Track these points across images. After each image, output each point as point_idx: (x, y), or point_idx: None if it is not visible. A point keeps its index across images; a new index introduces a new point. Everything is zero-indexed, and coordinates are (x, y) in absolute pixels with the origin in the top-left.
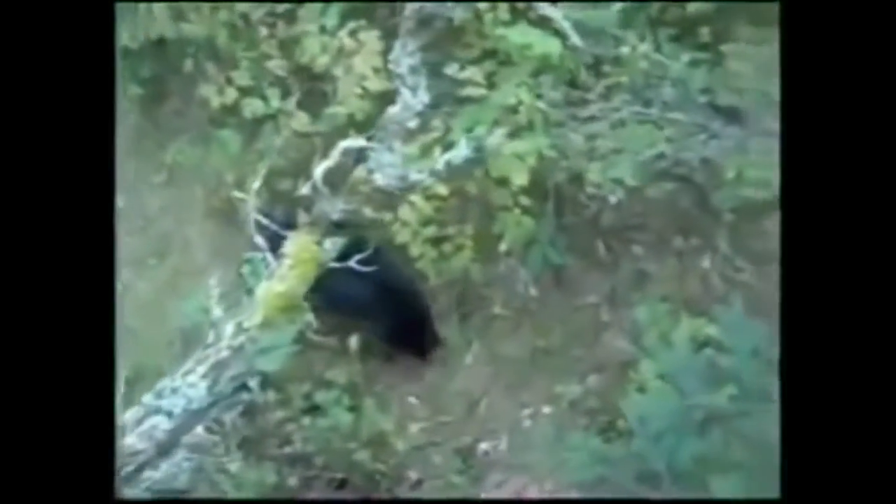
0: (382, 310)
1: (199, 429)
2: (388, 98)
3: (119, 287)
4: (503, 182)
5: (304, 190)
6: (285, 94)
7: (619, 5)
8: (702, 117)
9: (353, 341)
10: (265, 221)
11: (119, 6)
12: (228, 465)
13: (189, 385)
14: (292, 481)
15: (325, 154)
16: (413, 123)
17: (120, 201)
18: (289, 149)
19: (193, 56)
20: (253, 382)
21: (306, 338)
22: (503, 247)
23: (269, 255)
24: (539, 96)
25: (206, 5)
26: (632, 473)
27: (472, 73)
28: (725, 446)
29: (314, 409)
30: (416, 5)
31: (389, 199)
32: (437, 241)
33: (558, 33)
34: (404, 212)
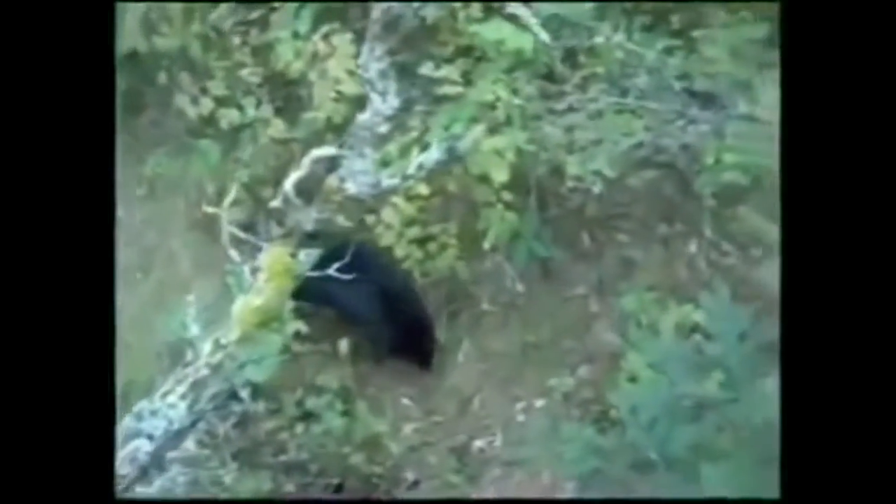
0: (385, 319)
1: (191, 443)
2: (364, 101)
3: None
4: (484, 179)
5: (276, 202)
6: (261, 102)
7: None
8: (679, 104)
9: (343, 345)
10: (241, 234)
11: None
12: (224, 478)
13: (169, 406)
14: (289, 489)
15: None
16: (384, 128)
17: None
18: (268, 156)
19: (167, 68)
20: (244, 393)
21: (295, 344)
22: (488, 243)
23: (245, 269)
24: (515, 91)
25: (178, 16)
26: (626, 463)
27: (448, 71)
28: (716, 433)
29: (307, 416)
30: (383, 7)
31: (363, 205)
32: (421, 242)
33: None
34: (387, 213)
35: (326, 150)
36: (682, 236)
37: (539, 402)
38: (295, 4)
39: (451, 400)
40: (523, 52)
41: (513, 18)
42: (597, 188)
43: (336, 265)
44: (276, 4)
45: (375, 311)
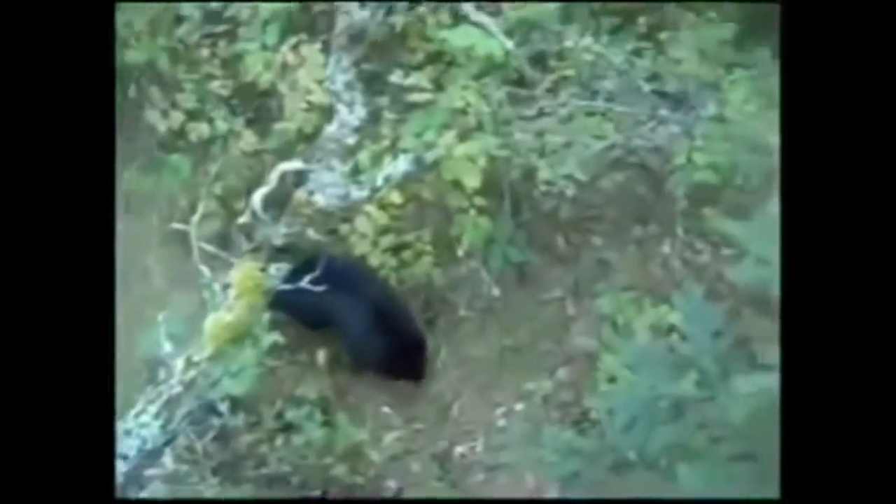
0: (378, 337)
1: (169, 460)
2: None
3: None
4: (457, 185)
5: (244, 217)
6: (232, 114)
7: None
8: (649, 106)
9: (321, 355)
10: (212, 249)
11: None
12: (204, 493)
13: (141, 425)
14: None
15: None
16: (352, 140)
17: None
18: (240, 168)
19: (136, 81)
20: (223, 406)
21: (272, 357)
22: (462, 249)
23: (216, 286)
24: (486, 97)
25: (145, 30)
26: (606, 464)
27: (418, 78)
28: (692, 432)
29: (287, 428)
30: (347, 18)
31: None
32: (396, 250)
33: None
34: (361, 223)
35: (293, 164)
36: (656, 237)
37: (519, 406)
38: (263, 16)
39: (431, 407)
40: (493, 58)
41: (478, 25)
42: (569, 191)
43: (308, 277)
44: (244, 17)
45: (368, 328)
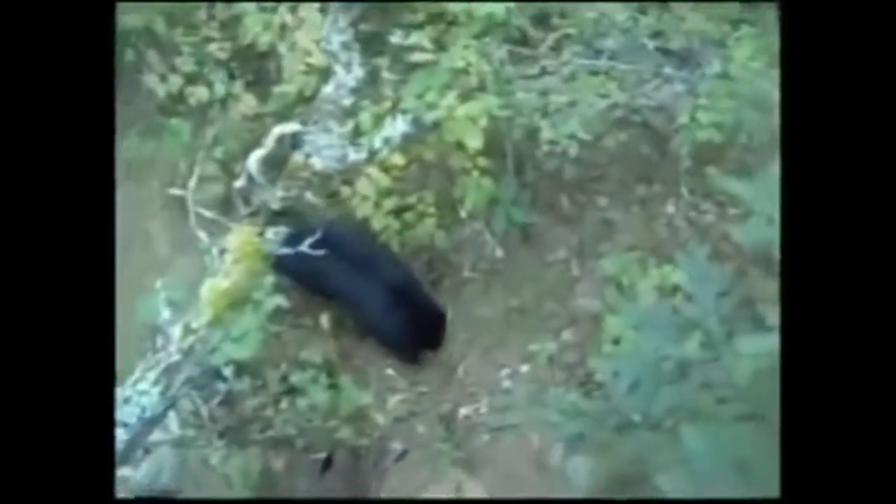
0: (401, 314)
1: (175, 425)
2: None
3: None
4: (459, 146)
5: (240, 182)
6: (231, 77)
7: None
8: (653, 64)
9: (325, 319)
10: (209, 214)
11: None
12: (211, 456)
13: (140, 393)
14: (277, 465)
15: None
16: (349, 101)
17: None
18: (240, 132)
19: (134, 45)
20: (227, 371)
21: (276, 321)
22: (465, 210)
23: (214, 250)
24: (487, 56)
25: None
26: (611, 426)
27: (419, 38)
28: (697, 393)
29: (292, 391)
30: None
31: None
32: (398, 212)
33: None
34: (362, 185)
35: (290, 126)
36: (661, 197)
37: (523, 368)
38: None
39: (435, 369)
40: (494, 16)
41: None
42: (573, 151)
43: (308, 240)
44: None
45: (388, 306)
